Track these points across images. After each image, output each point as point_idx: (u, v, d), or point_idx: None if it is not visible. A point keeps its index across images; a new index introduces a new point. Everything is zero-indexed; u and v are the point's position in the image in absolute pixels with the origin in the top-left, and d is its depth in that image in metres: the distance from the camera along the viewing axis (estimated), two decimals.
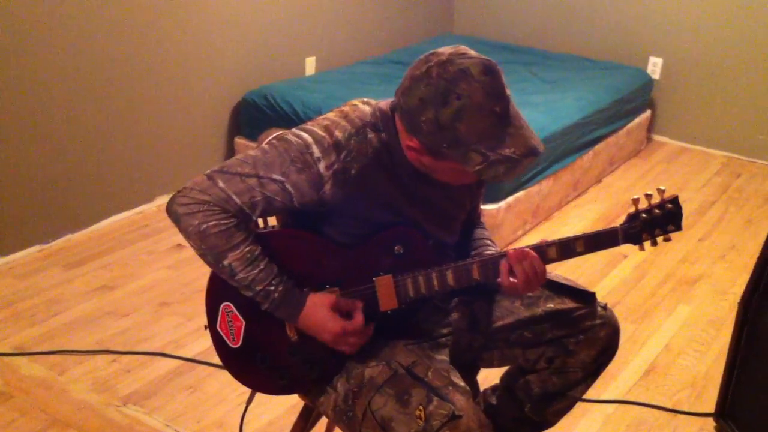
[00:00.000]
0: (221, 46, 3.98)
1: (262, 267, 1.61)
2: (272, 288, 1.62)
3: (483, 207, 3.42)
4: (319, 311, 1.65)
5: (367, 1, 4.84)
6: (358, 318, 1.66)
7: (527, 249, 1.64)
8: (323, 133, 1.60)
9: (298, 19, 4.39)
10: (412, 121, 1.53)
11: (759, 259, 2.22)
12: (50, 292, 3.11)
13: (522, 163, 1.51)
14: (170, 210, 1.62)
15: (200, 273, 1.73)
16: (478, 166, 1.50)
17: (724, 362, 2.40)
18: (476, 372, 1.98)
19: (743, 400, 2.35)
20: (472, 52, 1.53)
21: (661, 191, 1.67)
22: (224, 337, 1.74)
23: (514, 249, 1.65)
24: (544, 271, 1.66)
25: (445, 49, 1.53)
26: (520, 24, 5.42)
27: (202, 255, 1.61)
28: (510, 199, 3.57)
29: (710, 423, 2.50)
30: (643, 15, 4.95)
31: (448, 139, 1.49)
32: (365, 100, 1.70)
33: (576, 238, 1.66)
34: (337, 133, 1.61)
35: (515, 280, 1.65)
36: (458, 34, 5.60)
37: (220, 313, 1.73)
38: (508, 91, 1.52)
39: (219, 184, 1.58)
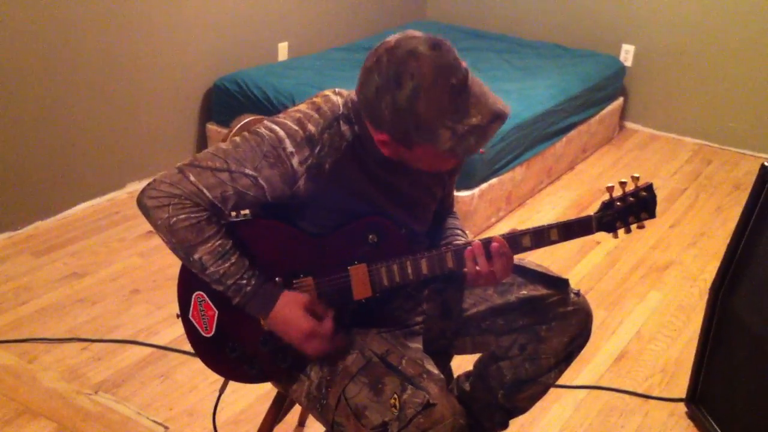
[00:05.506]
0: (192, 31, 3.93)
1: (233, 261, 1.59)
2: (244, 282, 1.60)
3: (457, 194, 3.44)
4: (290, 309, 1.63)
5: None
6: (328, 323, 1.64)
7: (497, 241, 1.64)
8: (296, 127, 1.59)
9: (270, 4, 4.35)
10: (375, 114, 1.51)
11: (729, 246, 2.24)
12: (19, 279, 3.07)
13: (491, 129, 1.49)
14: (140, 203, 1.59)
15: (172, 260, 1.71)
16: (448, 142, 1.48)
17: (694, 348, 2.43)
18: (450, 359, 1.98)
19: (714, 385, 2.38)
20: (419, 33, 1.51)
21: (635, 179, 1.67)
22: (197, 326, 1.73)
23: (483, 239, 1.65)
24: (511, 263, 1.66)
25: (393, 37, 1.52)
26: (493, 11, 5.42)
27: (173, 249, 1.59)
28: (483, 186, 3.57)
29: (681, 408, 2.53)
30: (615, 2, 4.97)
31: (412, 121, 1.47)
32: (337, 90, 1.68)
33: (550, 227, 1.67)
34: (310, 127, 1.59)
35: (479, 269, 1.65)
36: (431, 21, 5.59)
37: (192, 303, 1.71)
38: (464, 63, 1.50)
39: (190, 178, 1.56)
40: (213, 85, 4.07)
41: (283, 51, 4.53)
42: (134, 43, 3.65)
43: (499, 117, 1.49)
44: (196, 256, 1.58)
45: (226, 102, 4.00)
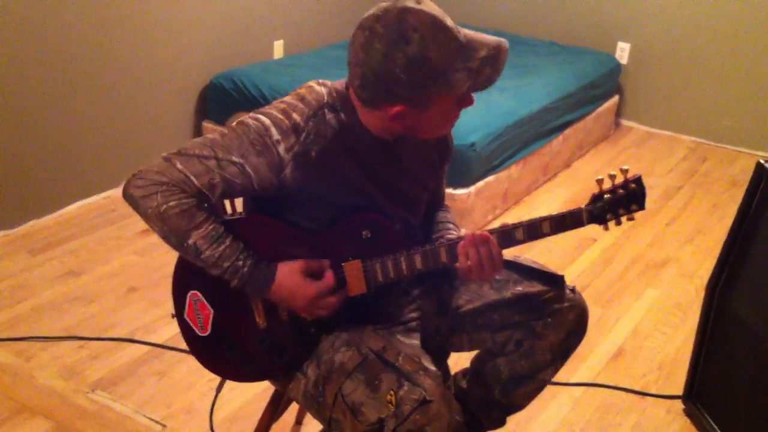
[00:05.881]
0: (188, 29, 3.93)
1: (228, 243, 1.59)
2: (240, 263, 1.60)
3: (453, 192, 3.45)
4: (291, 279, 1.63)
5: None
6: (329, 277, 1.66)
7: (484, 232, 1.64)
8: (281, 116, 1.60)
9: (266, 2, 4.35)
10: (387, 83, 1.51)
11: (725, 243, 2.25)
12: (16, 277, 3.07)
13: (501, 58, 1.54)
14: (126, 194, 1.58)
15: (169, 258, 1.71)
16: (466, 81, 1.52)
17: (691, 345, 2.43)
18: (446, 356, 1.98)
19: (710, 382, 2.39)
20: None
21: (624, 171, 1.67)
22: (192, 326, 1.73)
23: (472, 232, 1.65)
24: (500, 256, 1.66)
25: (371, 11, 1.54)
26: (489, 9, 5.42)
27: (165, 237, 1.59)
28: (480, 183, 3.57)
29: (678, 405, 2.53)
30: (611, 0, 4.97)
31: (428, 72, 1.50)
32: (320, 81, 1.69)
33: (542, 220, 1.67)
34: (295, 116, 1.60)
35: (471, 263, 1.65)
36: None
37: (187, 302, 1.71)
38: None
39: (177, 166, 1.56)
40: (209, 82, 4.07)
41: (278, 49, 4.53)
42: (130, 41, 3.64)
43: (502, 45, 1.55)
44: (190, 242, 1.57)
45: (222, 100, 4.00)
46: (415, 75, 1.49)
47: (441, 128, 1.66)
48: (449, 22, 1.52)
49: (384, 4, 1.53)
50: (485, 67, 1.53)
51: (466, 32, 1.54)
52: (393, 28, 1.48)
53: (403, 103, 1.54)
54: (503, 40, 1.55)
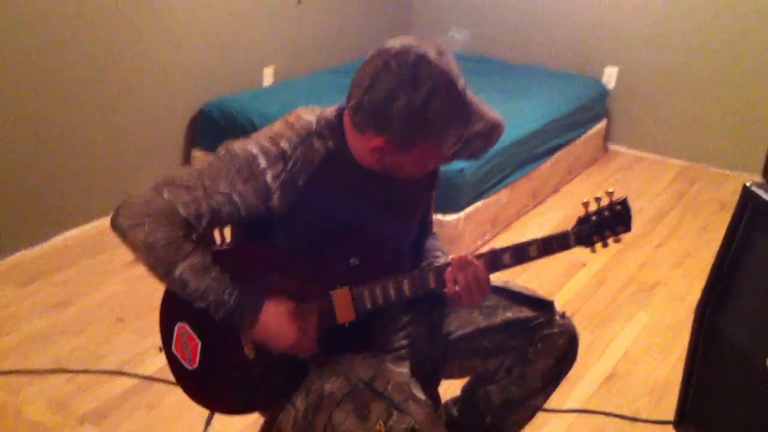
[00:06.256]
0: (177, 56, 3.94)
1: (213, 276, 1.58)
2: (226, 297, 1.59)
3: (443, 218, 3.45)
4: (277, 320, 1.62)
5: (325, 10, 4.84)
6: (312, 321, 1.66)
7: (470, 257, 1.64)
8: (269, 145, 1.60)
9: (255, 29, 4.37)
10: (380, 116, 1.52)
11: (714, 265, 2.25)
12: (3, 310, 3.05)
13: (493, 137, 1.57)
14: (115, 224, 1.58)
15: (157, 288, 1.70)
16: (455, 147, 1.54)
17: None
18: (437, 384, 1.97)
19: (702, 405, 2.37)
20: (417, 39, 1.55)
21: (609, 194, 1.69)
22: (180, 359, 1.71)
23: (458, 256, 1.65)
24: (487, 279, 1.66)
25: (394, 42, 1.54)
26: (478, 35, 5.45)
27: (152, 268, 1.58)
28: (469, 209, 3.57)
29: (670, 430, 2.51)
30: (598, 25, 5.01)
31: (422, 123, 1.51)
32: (309, 108, 1.70)
33: (529, 243, 1.67)
34: (283, 144, 1.60)
35: (459, 288, 1.64)
36: None
37: (175, 335, 1.70)
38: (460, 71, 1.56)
39: (164, 195, 1.56)
40: (199, 110, 4.07)
41: (268, 75, 4.55)
42: (118, 69, 3.65)
43: (498, 126, 1.58)
44: (176, 273, 1.56)
45: (211, 128, 4.00)
46: (409, 121, 1.51)
47: (415, 173, 1.67)
48: (461, 84, 1.54)
49: (408, 42, 1.53)
50: (476, 141, 1.55)
51: (471, 99, 1.56)
52: (407, 72, 1.49)
53: (387, 139, 1.54)
54: (501, 121, 1.58)
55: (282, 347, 1.64)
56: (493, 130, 1.56)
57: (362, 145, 1.60)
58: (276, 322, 1.62)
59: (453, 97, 1.52)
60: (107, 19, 3.52)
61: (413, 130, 1.52)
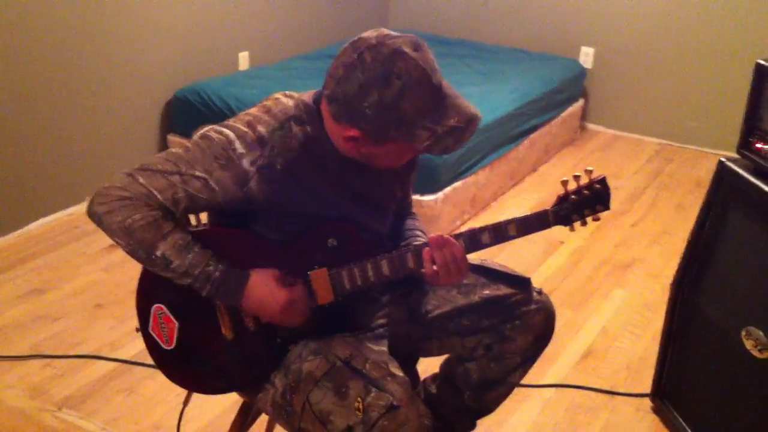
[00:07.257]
0: (151, 42, 3.91)
1: (196, 251, 1.57)
2: (211, 268, 1.58)
3: (421, 198, 3.45)
4: (264, 284, 1.62)
5: None
6: (300, 287, 1.65)
7: (447, 236, 1.64)
8: (246, 129, 1.58)
9: (230, 13, 4.34)
10: (353, 110, 1.51)
11: (689, 241, 2.27)
12: None
13: (468, 131, 1.53)
14: (91, 211, 1.57)
15: (135, 273, 1.69)
16: (426, 141, 1.51)
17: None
18: (416, 362, 1.98)
19: (678, 379, 2.40)
20: (395, 33, 1.53)
21: (588, 172, 1.69)
22: (157, 339, 1.71)
23: (436, 235, 1.65)
24: (465, 259, 1.66)
25: (370, 34, 1.52)
26: (454, 17, 5.44)
27: (132, 251, 1.57)
28: (447, 189, 3.58)
29: (647, 403, 2.55)
30: (574, 5, 5.02)
31: (394, 119, 1.49)
32: (287, 93, 1.68)
33: (508, 222, 1.68)
34: (260, 128, 1.59)
35: (437, 267, 1.65)
36: (393, 28, 5.58)
37: (152, 316, 1.69)
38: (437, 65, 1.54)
39: (140, 181, 1.54)
40: (173, 96, 4.04)
41: (243, 60, 4.52)
42: (92, 54, 3.61)
43: (475, 119, 1.54)
44: (158, 253, 1.55)
45: (187, 113, 3.97)
46: (381, 116, 1.49)
47: (391, 164, 1.66)
48: (436, 78, 1.51)
49: (384, 35, 1.51)
50: (449, 136, 1.51)
51: (448, 92, 1.54)
52: (379, 66, 1.47)
53: (360, 131, 1.54)
54: (477, 115, 1.55)
55: (275, 313, 1.63)
56: (468, 124, 1.53)
57: (338, 133, 1.59)
58: (265, 287, 1.61)
59: (426, 93, 1.49)
60: (80, 4, 3.48)
61: (385, 125, 1.50)
